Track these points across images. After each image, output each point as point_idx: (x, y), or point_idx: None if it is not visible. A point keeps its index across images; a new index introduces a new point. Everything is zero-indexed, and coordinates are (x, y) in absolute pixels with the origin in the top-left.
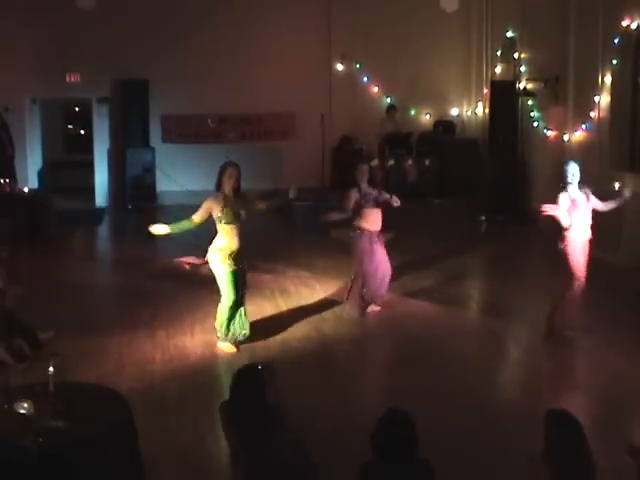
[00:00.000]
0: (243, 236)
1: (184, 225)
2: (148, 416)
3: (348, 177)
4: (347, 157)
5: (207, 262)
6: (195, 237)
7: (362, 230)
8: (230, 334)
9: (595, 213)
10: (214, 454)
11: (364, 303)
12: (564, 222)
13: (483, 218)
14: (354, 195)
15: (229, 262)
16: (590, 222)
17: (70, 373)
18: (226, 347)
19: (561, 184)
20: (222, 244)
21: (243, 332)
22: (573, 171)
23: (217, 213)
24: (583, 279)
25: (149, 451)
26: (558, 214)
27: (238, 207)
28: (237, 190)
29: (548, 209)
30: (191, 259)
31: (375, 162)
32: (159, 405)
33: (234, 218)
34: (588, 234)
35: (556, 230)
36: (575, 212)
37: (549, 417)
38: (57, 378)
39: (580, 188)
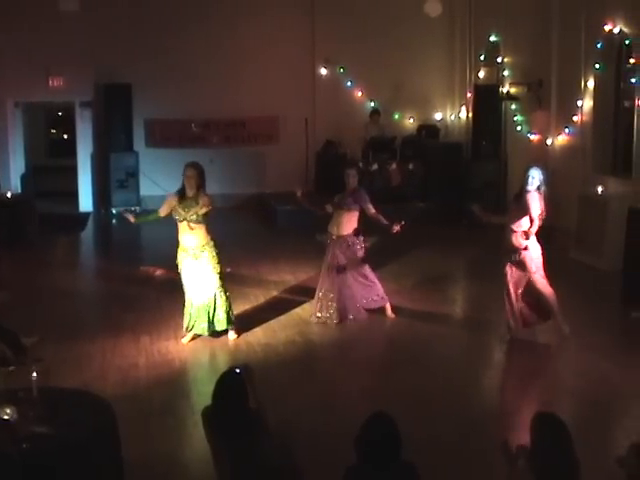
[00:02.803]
0: (225, 237)
1: (151, 216)
2: (132, 421)
3: (336, 180)
4: (331, 161)
5: (175, 270)
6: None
7: (328, 233)
8: (188, 326)
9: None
10: (198, 459)
11: (339, 309)
12: (496, 221)
13: (466, 222)
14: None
15: (185, 256)
16: (522, 228)
17: (54, 378)
18: (186, 340)
19: (527, 189)
20: (179, 241)
21: (201, 326)
22: (532, 175)
23: (173, 212)
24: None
25: (133, 456)
26: (490, 217)
27: (190, 206)
28: (200, 188)
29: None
30: (154, 268)
31: (393, 166)
32: (143, 410)
33: (182, 217)
34: (520, 241)
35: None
36: (513, 220)
37: (536, 419)
38: (41, 383)
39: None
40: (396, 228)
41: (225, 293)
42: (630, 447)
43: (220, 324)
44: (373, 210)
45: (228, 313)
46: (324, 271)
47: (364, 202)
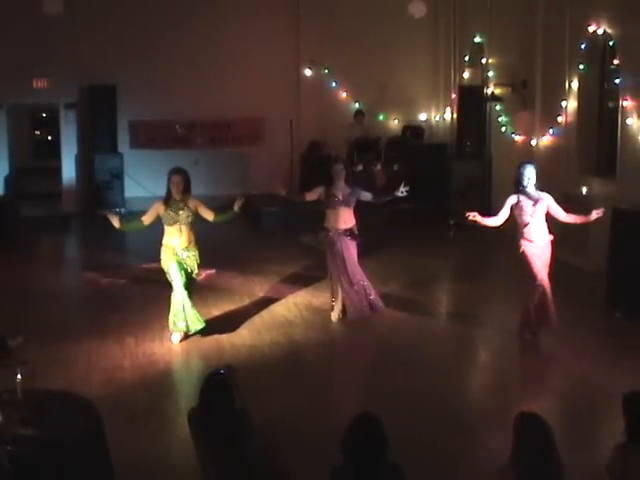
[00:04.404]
0: (209, 239)
1: (134, 225)
2: (117, 423)
3: (323, 176)
4: (316, 162)
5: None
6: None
7: (326, 230)
8: (180, 326)
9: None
10: (183, 460)
11: (344, 304)
12: (491, 223)
13: (452, 222)
14: (319, 190)
15: (172, 256)
16: (545, 224)
17: (39, 380)
18: (177, 339)
19: (515, 186)
20: (165, 242)
21: (180, 325)
22: (529, 175)
23: (161, 215)
24: (544, 281)
25: (118, 457)
26: (484, 221)
27: (180, 209)
28: (186, 192)
29: (474, 217)
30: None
31: (378, 167)
32: (128, 411)
33: (173, 221)
34: (546, 236)
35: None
36: (524, 216)
37: (519, 420)
38: (25, 385)
39: (535, 192)
40: (402, 190)
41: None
42: (614, 448)
43: (194, 324)
44: (371, 195)
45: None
46: (340, 265)
47: (361, 194)
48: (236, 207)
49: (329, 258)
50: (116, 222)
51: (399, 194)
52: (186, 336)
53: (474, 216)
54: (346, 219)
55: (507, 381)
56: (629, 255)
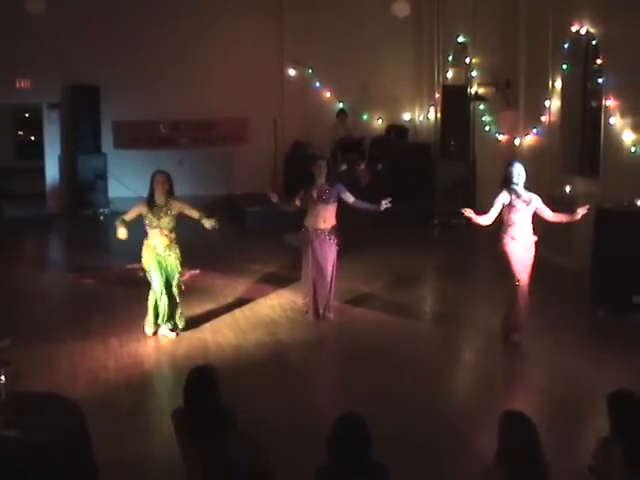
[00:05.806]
0: (193, 239)
1: (120, 223)
2: (102, 423)
3: (305, 173)
4: (300, 162)
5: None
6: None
7: (306, 228)
8: (155, 321)
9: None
10: (169, 460)
11: (315, 305)
12: (483, 222)
13: (436, 222)
14: (301, 193)
15: (154, 255)
16: (531, 225)
17: (22, 381)
18: (149, 332)
19: (505, 184)
20: (147, 243)
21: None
22: (519, 171)
23: (143, 216)
24: (524, 282)
25: (103, 458)
26: (477, 219)
27: (162, 214)
28: (169, 194)
29: (469, 214)
30: (139, 265)
31: (362, 167)
32: (113, 412)
33: (155, 225)
34: (530, 237)
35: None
36: (513, 214)
37: (504, 419)
38: (9, 387)
39: (525, 192)
40: (384, 205)
41: (180, 293)
42: (597, 442)
43: (172, 323)
44: (353, 198)
45: (182, 313)
46: (312, 265)
47: (344, 193)
48: (208, 225)
49: (304, 256)
50: (122, 233)
51: (382, 207)
52: (156, 332)
53: (468, 213)
54: (326, 218)
55: (492, 380)
56: (612, 254)
